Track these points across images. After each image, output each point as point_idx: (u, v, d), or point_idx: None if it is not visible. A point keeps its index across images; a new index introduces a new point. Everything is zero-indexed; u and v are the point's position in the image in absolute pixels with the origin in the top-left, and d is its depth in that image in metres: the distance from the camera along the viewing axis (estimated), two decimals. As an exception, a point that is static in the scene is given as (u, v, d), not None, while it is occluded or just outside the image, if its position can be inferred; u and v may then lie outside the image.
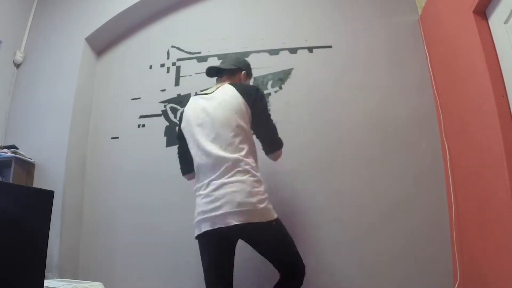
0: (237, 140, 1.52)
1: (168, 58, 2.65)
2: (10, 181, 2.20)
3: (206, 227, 1.50)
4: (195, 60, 2.60)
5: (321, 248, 2.08)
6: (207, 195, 1.51)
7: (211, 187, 1.50)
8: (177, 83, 2.57)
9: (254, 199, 1.44)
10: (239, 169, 1.48)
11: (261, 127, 1.66)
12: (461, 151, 1.88)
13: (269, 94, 2.41)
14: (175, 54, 2.64)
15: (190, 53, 2.62)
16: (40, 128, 2.51)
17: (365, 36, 2.42)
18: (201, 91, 1.79)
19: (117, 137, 2.56)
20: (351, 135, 2.25)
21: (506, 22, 1.50)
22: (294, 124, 2.30)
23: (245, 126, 1.57)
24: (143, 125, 2.53)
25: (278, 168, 2.25)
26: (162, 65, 2.64)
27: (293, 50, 2.48)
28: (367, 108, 2.28)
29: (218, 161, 1.50)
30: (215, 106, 1.61)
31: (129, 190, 2.40)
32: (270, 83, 2.44)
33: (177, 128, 1.79)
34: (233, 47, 2.55)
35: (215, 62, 2.54)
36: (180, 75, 2.59)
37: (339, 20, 2.50)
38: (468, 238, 1.81)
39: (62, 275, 2.14)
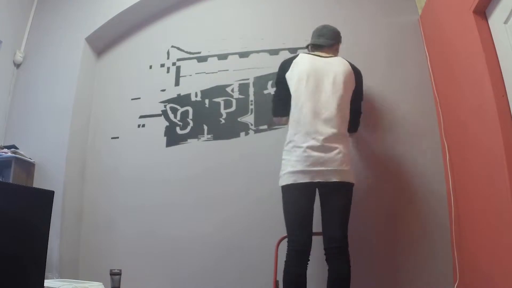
0: (343, 112, 1.71)
1: (168, 58, 2.65)
2: (10, 181, 2.20)
3: (304, 179, 1.61)
4: (195, 60, 2.60)
5: (320, 247, 2.08)
6: (314, 149, 1.62)
7: (317, 144, 1.62)
8: (177, 83, 2.57)
9: (348, 164, 1.67)
10: (342, 138, 1.68)
11: (357, 103, 1.85)
12: (461, 151, 1.88)
13: (269, 94, 2.41)
14: (175, 54, 2.64)
15: (190, 53, 2.62)
16: (40, 128, 2.51)
17: (365, 36, 2.42)
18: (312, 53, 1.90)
19: (117, 137, 2.56)
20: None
21: (506, 22, 1.50)
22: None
23: (348, 100, 1.77)
24: (143, 125, 2.53)
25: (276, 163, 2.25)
26: (162, 65, 2.64)
27: (293, 50, 2.48)
28: (366, 108, 2.28)
29: (331, 127, 1.65)
30: (335, 71, 1.76)
31: (129, 190, 2.41)
32: (270, 83, 2.44)
33: (277, 74, 1.89)
34: (233, 47, 2.55)
35: (215, 62, 2.55)
36: (180, 75, 2.59)
37: (339, 20, 2.49)
38: (468, 238, 1.81)
39: (62, 275, 2.14)
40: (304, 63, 1.79)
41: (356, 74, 1.82)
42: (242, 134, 2.37)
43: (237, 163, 2.31)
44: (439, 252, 1.95)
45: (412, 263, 1.97)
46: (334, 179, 1.59)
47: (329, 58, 1.83)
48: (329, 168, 1.59)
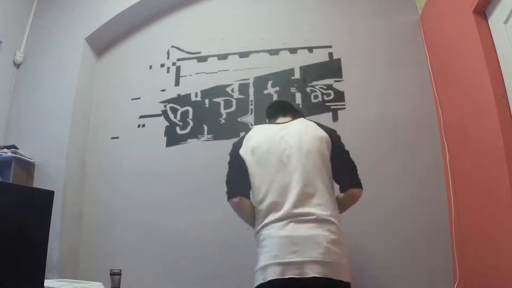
0: (321, 187, 1.34)
1: (168, 58, 2.65)
2: (10, 181, 2.20)
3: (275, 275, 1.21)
4: (195, 60, 2.60)
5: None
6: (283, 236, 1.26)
7: (289, 228, 1.27)
8: (177, 83, 2.57)
9: (338, 251, 1.24)
10: (323, 223, 1.29)
11: (345, 161, 1.49)
12: (461, 151, 1.88)
13: (269, 94, 2.41)
14: (175, 54, 2.64)
15: (190, 53, 2.62)
16: (40, 128, 2.50)
17: (365, 36, 2.42)
18: (274, 121, 1.59)
19: (117, 137, 2.56)
20: (350, 135, 2.24)
21: (506, 22, 1.50)
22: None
23: (328, 165, 1.41)
24: (143, 125, 2.53)
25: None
26: (162, 65, 2.63)
27: (293, 50, 2.48)
28: (366, 108, 2.28)
29: (305, 210, 1.28)
30: (295, 135, 1.42)
31: (129, 190, 2.40)
32: (270, 83, 2.44)
33: (232, 152, 1.52)
34: (233, 47, 2.55)
35: (215, 62, 2.55)
36: (180, 75, 2.59)
37: (339, 20, 2.50)
38: (468, 238, 1.81)
39: (62, 275, 2.14)
40: (260, 138, 1.46)
41: (329, 134, 1.46)
42: (242, 134, 2.36)
43: (237, 163, 2.31)
44: (439, 252, 1.95)
45: (412, 263, 1.97)
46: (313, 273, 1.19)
47: (288, 123, 1.50)
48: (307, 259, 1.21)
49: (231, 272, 2.13)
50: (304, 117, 1.59)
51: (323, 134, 1.44)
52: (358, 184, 1.46)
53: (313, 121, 1.52)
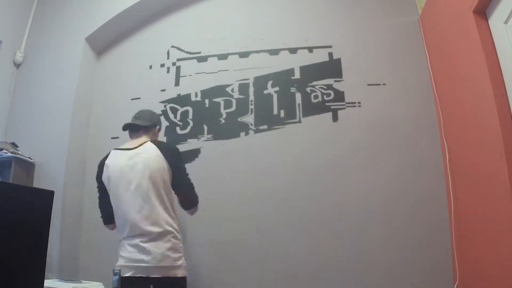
0: (159, 207, 1.65)
1: (168, 58, 2.64)
2: (10, 181, 2.20)
3: (128, 273, 1.59)
4: (195, 60, 2.60)
5: (320, 248, 2.08)
6: (134, 245, 1.62)
7: (137, 240, 1.62)
8: (177, 83, 2.57)
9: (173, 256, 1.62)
10: (163, 233, 1.62)
11: (180, 183, 1.75)
12: (461, 151, 1.88)
13: (269, 94, 2.41)
14: (175, 54, 2.64)
15: (190, 53, 2.62)
16: (40, 128, 2.50)
17: (365, 36, 2.42)
18: (122, 146, 1.81)
19: (117, 137, 2.55)
20: (350, 135, 2.25)
21: (506, 22, 1.50)
22: (295, 124, 2.31)
23: (168, 185, 1.70)
24: (143, 125, 2.53)
25: (288, 167, 2.26)
26: (162, 65, 2.63)
27: (293, 50, 2.48)
28: (366, 108, 2.28)
29: (145, 228, 1.62)
30: (140, 163, 1.68)
31: (129, 190, 2.40)
32: (270, 83, 2.44)
33: (97, 178, 1.80)
34: (233, 47, 2.55)
35: (215, 62, 2.55)
36: (180, 75, 2.59)
37: (339, 20, 2.50)
38: (468, 238, 1.81)
39: (62, 275, 2.14)
40: (113, 164, 1.72)
41: (168, 156, 1.70)
42: (242, 134, 2.37)
43: (237, 163, 2.31)
44: (439, 252, 1.95)
45: (412, 263, 1.97)
46: (155, 275, 1.56)
47: (137, 149, 1.72)
48: (144, 265, 1.57)
49: (231, 272, 2.13)
50: (155, 126, 1.88)
51: (164, 162, 1.69)
52: (189, 206, 1.81)
53: (157, 145, 1.73)
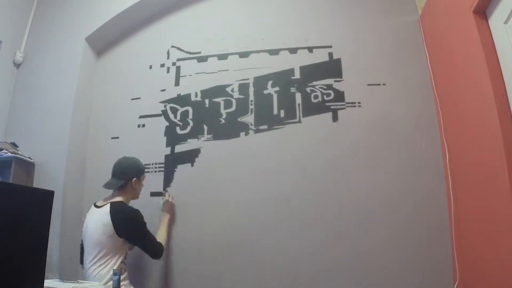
0: (103, 263, 1.81)
1: (168, 58, 2.65)
2: (10, 181, 2.20)
3: None
4: (195, 60, 2.60)
5: (320, 248, 2.08)
6: None
7: None
8: (177, 83, 2.57)
9: None
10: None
11: (139, 245, 1.94)
12: (461, 151, 1.88)
13: (269, 94, 2.41)
14: (175, 54, 2.64)
15: (190, 53, 2.62)
16: (40, 128, 2.51)
17: (365, 36, 2.42)
18: (97, 202, 2.01)
19: (117, 137, 2.56)
20: (350, 135, 2.25)
21: (506, 22, 1.50)
22: (295, 124, 2.31)
23: (112, 247, 1.83)
24: (143, 125, 2.53)
25: (288, 168, 2.26)
26: (162, 65, 2.63)
27: (293, 50, 2.48)
28: (366, 108, 2.28)
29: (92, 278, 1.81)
30: (92, 224, 1.89)
31: (129, 190, 2.40)
32: (270, 83, 2.44)
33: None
34: (233, 47, 2.55)
35: (215, 62, 2.55)
36: (180, 75, 2.59)
37: (339, 20, 2.50)
38: (468, 238, 1.81)
39: (62, 275, 2.13)
40: (86, 218, 1.98)
41: (117, 224, 1.83)
42: (242, 134, 2.37)
43: (237, 163, 2.31)
44: (439, 252, 1.95)
45: (412, 263, 1.97)
46: None
47: (100, 209, 1.91)
48: None
49: (230, 273, 2.13)
50: (130, 179, 2.00)
51: (110, 228, 1.82)
52: (155, 257, 2.00)
53: (112, 210, 1.86)
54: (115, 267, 1.80)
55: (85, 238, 1.92)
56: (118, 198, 1.94)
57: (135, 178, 2.01)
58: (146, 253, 1.96)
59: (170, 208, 2.22)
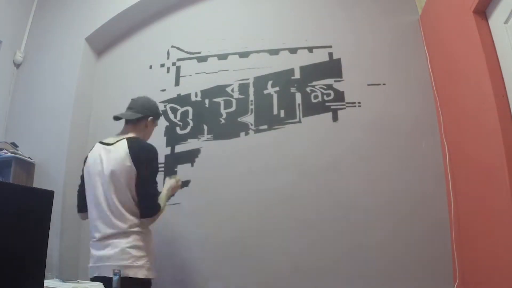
0: (122, 205, 1.62)
1: (168, 58, 2.64)
2: (10, 181, 2.20)
3: (95, 274, 1.61)
4: (195, 60, 2.60)
5: (320, 248, 2.08)
6: (99, 245, 1.64)
7: (101, 241, 1.63)
8: (177, 83, 2.57)
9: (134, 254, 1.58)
10: (127, 232, 1.60)
11: (141, 187, 1.65)
12: (461, 151, 1.88)
13: (269, 94, 2.41)
14: (175, 54, 2.64)
15: (190, 53, 2.62)
16: (40, 128, 2.50)
17: (365, 36, 2.42)
18: (105, 140, 1.80)
19: (117, 137, 2.55)
20: (350, 135, 2.25)
21: (506, 22, 1.50)
22: (295, 124, 2.31)
23: (131, 188, 1.63)
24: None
25: (288, 168, 2.26)
26: (162, 65, 2.63)
27: (293, 50, 2.48)
28: (366, 108, 2.28)
29: (107, 227, 1.62)
30: (108, 162, 1.66)
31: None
32: (270, 83, 2.44)
33: (82, 169, 1.82)
34: (233, 47, 2.55)
35: (215, 62, 2.55)
36: (180, 75, 2.59)
37: (339, 20, 2.50)
38: (468, 238, 1.81)
39: (62, 275, 2.14)
40: (90, 158, 1.76)
41: (135, 156, 1.63)
42: (242, 134, 2.37)
43: (237, 163, 2.31)
44: (439, 252, 1.95)
45: (412, 263, 1.97)
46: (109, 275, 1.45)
47: (112, 146, 1.70)
48: (105, 264, 1.56)
49: (230, 273, 2.13)
50: (147, 117, 1.81)
51: (129, 162, 1.62)
52: (144, 214, 1.65)
53: (129, 144, 1.67)
54: (131, 215, 1.61)
55: (90, 183, 1.70)
56: (132, 134, 1.74)
57: (151, 117, 1.84)
58: (140, 203, 1.64)
59: (175, 187, 1.91)
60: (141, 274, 1.57)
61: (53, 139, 2.44)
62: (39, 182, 2.34)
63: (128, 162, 1.62)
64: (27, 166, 2.36)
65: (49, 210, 1.19)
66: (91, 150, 1.81)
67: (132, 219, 1.61)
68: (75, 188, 2.42)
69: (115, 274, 1.50)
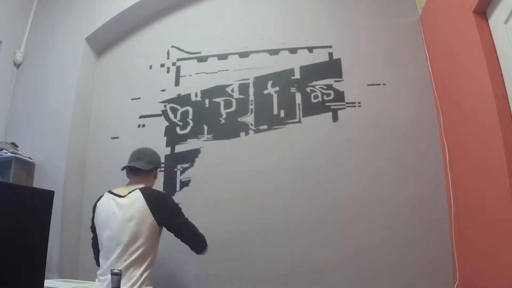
0: (136, 255, 1.61)
1: (168, 58, 2.65)
2: (10, 181, 2.20)
3: None
4: (195, 60, 2.60)
5: (320, 248, 2.08)
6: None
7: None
8: (177, 83, 2.57)
9: None
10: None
11: (181, 233, 1.72)
12: (461, 151, 1.88)
13: (269, 94, 2.41)
14: (175, 54, 2.64)
15: (190, 53, 2.62)
16: (40, 128, 2.50)
17: (365, 36, 2.42)
18: (114, 191, 1.78)
19: (117, 137, 2.56)
20: (350, 135, 2.25)
21: (506, 22, 1.50)
22: (295, 124, 2.31)
23: (150, 238, 1.65)
24: (143, 125, 2.53)
25: (288, 168, 2.26)
26: (162, 65, 2.63)
27: (293, 50, 2.48)
28: (366, 108, 2.28)
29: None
30: (123, 215, 1.65)
31: (129, 190, 2.40)
32: (270, 83, 2.44)
33: (91, 220, 1.82)
34: (233, 47, 2.55)
35: (215, 62, 2.55)
36: (180, 75, 2.59)
37: (339, 20, 2.50)
38: (468, 238, 1.81)
39: (62, 275, 2.14)
40: (101, 209, 1.74)
41: (155, 207, 1.65)
42: (242, 134, 2.37)
43: (237, 163, 2.31)
44: (439, 252, 1.95)
45: (412, 263, 1.97)
46: None
47: (126, 197, 1.68)
48: None
49: (230, 274, 2.13)
50: (156, 169, 1.87)
51: (148, 213, 1.64)
52: (199, 251, 1.76)
53: (144, 195, 1.66)
54: (148, 263, 1.62)
55: (104, 233, 1.69)
56: (142, 185, 1.75)
57: (158, 168, 1.92)
58: (189, 242, 1.72)
59: None
60: None
61: (53, 139, 2.44)
62: (39, 182, 2.34)
63: (147, 213, 1.64)
64: (27, 166, 2.36)
65: (49, 210, 1.19)
66: (99, 199, 1.80)
67: (144, 269, 1.62)
68: (75, 188, 2.44)
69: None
